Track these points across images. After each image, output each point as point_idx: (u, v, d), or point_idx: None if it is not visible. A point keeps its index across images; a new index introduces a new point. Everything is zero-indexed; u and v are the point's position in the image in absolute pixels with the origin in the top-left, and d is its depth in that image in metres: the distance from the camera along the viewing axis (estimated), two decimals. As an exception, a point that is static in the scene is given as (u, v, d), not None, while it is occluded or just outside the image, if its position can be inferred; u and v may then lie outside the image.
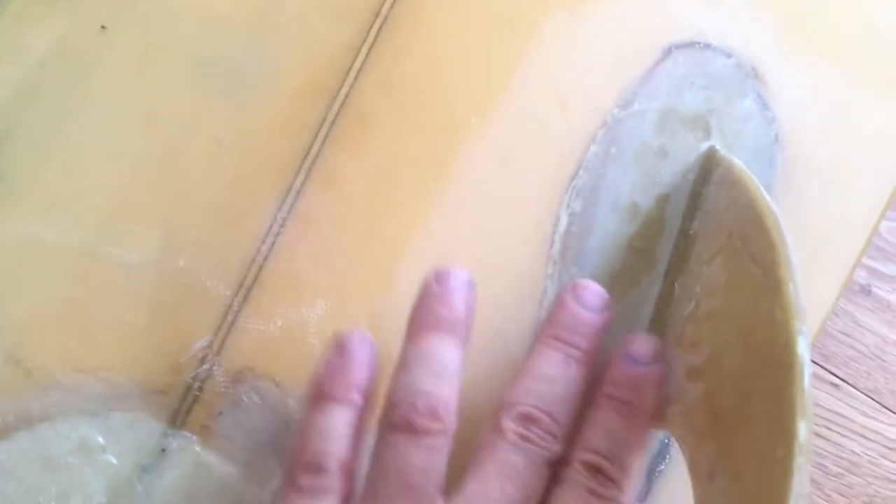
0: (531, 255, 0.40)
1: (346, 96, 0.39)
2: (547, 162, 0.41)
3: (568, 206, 0.40)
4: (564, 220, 0.40)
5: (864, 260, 0.70)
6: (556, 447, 0.31)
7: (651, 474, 0.39)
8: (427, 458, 0.29)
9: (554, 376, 0.33)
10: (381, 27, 0.39)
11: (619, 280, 0.40)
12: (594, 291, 0.36)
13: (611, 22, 0.41)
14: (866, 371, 0.68)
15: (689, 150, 0.41)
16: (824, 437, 0.67)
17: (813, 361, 0.68)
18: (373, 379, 0.32)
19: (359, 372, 0.32)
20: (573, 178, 0.41)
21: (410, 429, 0.29)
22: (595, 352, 0.34)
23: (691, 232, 0.38)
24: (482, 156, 0.40)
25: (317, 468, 0.30)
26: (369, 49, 0.39)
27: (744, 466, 0.26)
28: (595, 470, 0.30)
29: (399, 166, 0.39)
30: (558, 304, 0.36)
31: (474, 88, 0.41)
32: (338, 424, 0.31)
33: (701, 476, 0.28)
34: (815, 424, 0.68)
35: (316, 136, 0.39)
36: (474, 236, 0.40)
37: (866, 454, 0.67)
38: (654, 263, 0.40)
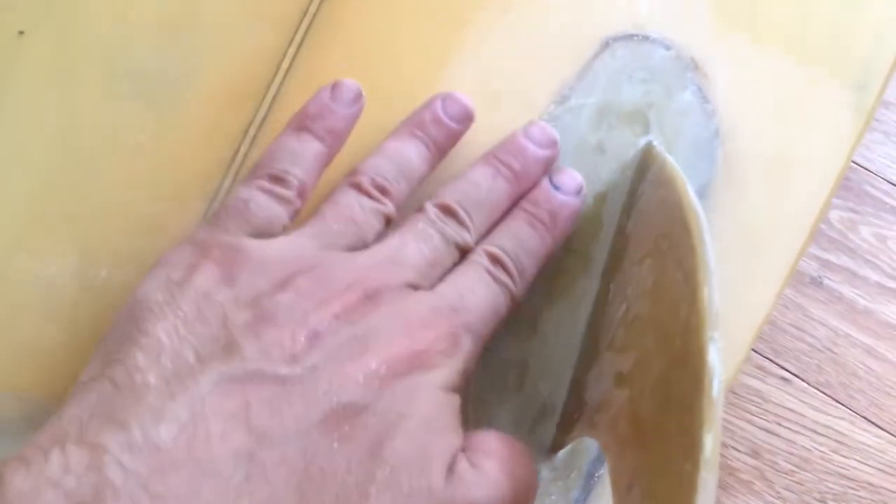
0: None
1: (274, 99, 0.39)
2: None
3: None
4: None
5: (816, 251, 0.69)
6: (467, 237, 0.35)
7: (589, 479, 0.38)
8: (369, 214, 0.34)
9: (480, 183, 0.36)
10: (307, 28, 0.39)
11: (557, 281, 0.39)
12: (542, 129, 0.38)
13: (546, 15, 0.40)
14: (817, 364, 0.68)
15: (627, 145, 0.40)
16: (775, 434, 0.67)
17: (764, 356, 0.68)
18: (349, 131, 0.36)
19: (341, 120, 0.36)
20: None
21: (365, 191, 0.35)
22: (526, 177, 0.37)
23: (626, 231, 0.38)
24: None
25: (280, 180, 0.33)
26: (296, 51, 0.39)
27: (656, 480, 0.26)
28: (495, 259, 0.34)
29: (329, 171, 0.38)
30: (508, 136, 0.38)
31: (405, 87, 0.40)
32: (307, 153, 0.35)
33: (620, 487, 0.27)
34: (767, 421, 0.67)
35: (243, 141, 0.38)
36: None
37: (818, 449, 0.67)
38: (590, 264, 0.40)
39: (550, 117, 0.40)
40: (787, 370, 0.68)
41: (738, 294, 0.40)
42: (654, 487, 0.26)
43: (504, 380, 0.39)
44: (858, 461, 0.66)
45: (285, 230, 0.33)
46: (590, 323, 0.38)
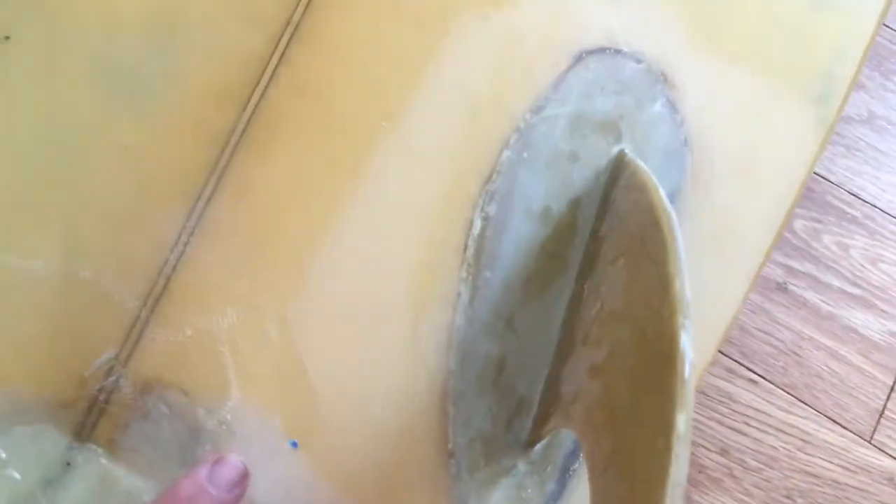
0: (445, 259, 0.40)
1: (258, 102, 0.39)
2: (460, 166, 0.41)
3: (482, 211, 0.41)
4: (478, 225, 0.40)
5: (781, 258, 0.71)
6: None
7: (565, 473, 0.39)
8: None
9: None
10: (292, 33, 0.39)
11: (533, 283, 0.40)
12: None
13: (523, 27, 0.41)
14: (783, 367, 0.70)
15: (600, 154, 0.41)
16: (743, 433, 0.69)
17: (732, 359, 0.70)
18: None
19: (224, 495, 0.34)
20: (486, 183, 0.41)
21: None
22: None
23: (600, 234, 0.39)
24: (394, 160, 0.40)
25: None
26: (280, 55, 0.39)
27: (632, 459, 0.27)
28: None
29: (310, 172, 0.39)
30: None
31: (385, 93, 0.40)
32: None
33: (597, 470, 0.29)
34: (735, 421, 0.69)
35: (227, 144, 0.39)
36: (386, 240, 0.40)
37: (784, 448, 0.68)
38: (566, 267, 0.40)
39: (527, 126, 0.41)
40: (754, 372, 0.70)
41: (706, 296, 0.41)
42: (630, 466, 0.27)
43: (482, 376, 0.40)
44: (823, 459, 0.68)
45: None
46: (565, 322, 0.39)
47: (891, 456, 0.68)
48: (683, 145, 0.42)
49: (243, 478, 0.35)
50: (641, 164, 0.39)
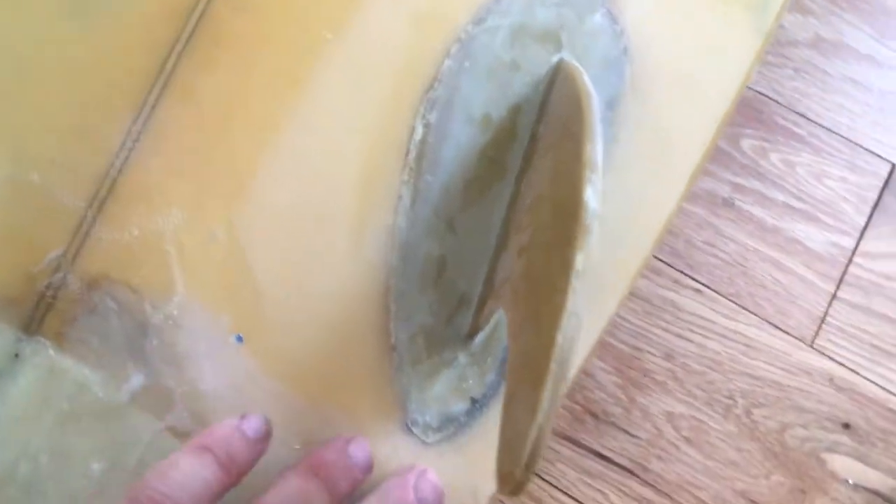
0: (387, 164, 0.41)
1: (202, 14, 0.40)
2: (402, 76, 0.41)
3: (423, 118, 0.41)
4: (420, 131, 0.41)
5: (729, 176, 0.73)
6: None
7: (504, 364, 0.41)
8: None
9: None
10: None
11: (473, 187, 0.41)
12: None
13: None
14: (729, 277, 0.71)
15: (540, 63, 0.41)
16: (688, 339, 0.71)
17: (678, 270, 0.71)
18: (252, 467, 0.36)
19: (247, 453, 0.35)
20: (428, 91, 0.41)
21: None
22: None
23: (538, 136, 0.40)
24: (337, 70, 0.41)
25: None
26: None
27: (540, 310, 0.28)
28: None
29: (254, 81, 0.40)
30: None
31: (329, 4, 0.41)
32: (198, 477, 0.34)
33: (515, 333, 0.30)
34: (680, 328, 0.71)
35: (170, 54, 0.39)
36: (330, 146, 0.41)
37: (727, 352, 0.70)
38: (505, 171, 0.41)
39: (468, 37, 0.41)
40: (699, 282, 0.71)
41: (643, 198, 0.42)
42: (538, 315, 0.29)
43: (423, 275, 0.41)
44: (765, 363, 0.70)
45: None
46: (504, 222, 0.40)
47: (831, 359, 0.70)
48: (623, 55, 0.42)
49: (267, 434, 0.37)
50: (575, 64, 0.39)
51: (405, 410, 0.41)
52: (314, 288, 0.40)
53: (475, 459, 0.42)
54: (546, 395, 0.25)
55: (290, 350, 0.40)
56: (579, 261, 0.26)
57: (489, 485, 0.42)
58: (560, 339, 0.25)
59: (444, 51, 0.41)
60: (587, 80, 0.35)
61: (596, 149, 0.29)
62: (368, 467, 0.39)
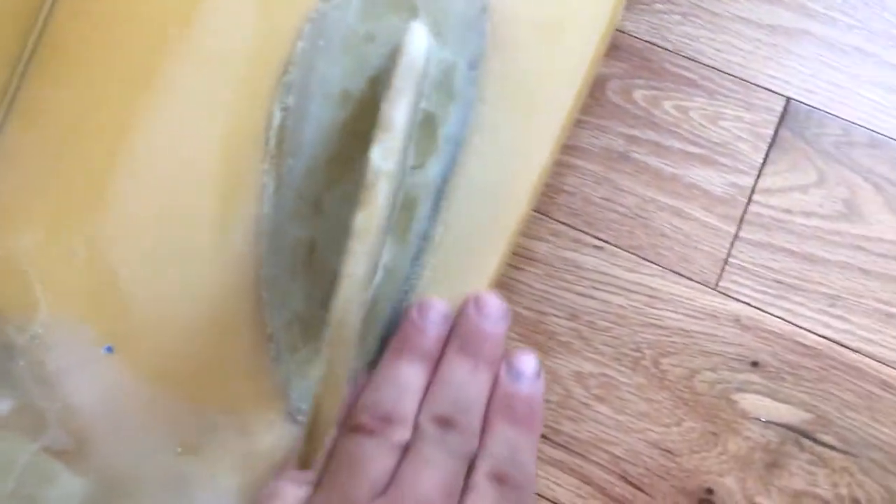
0: (247, 154, 0.41)
1: (42, 28, 0.39)
2: (255, 63, 0.41)
3: (280, 103, 0.41)
4: (278, 116, 0.41)
5: (623, 129, 0.73)
6: (472, 445, 0.35)
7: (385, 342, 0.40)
8: (377, 454, 0.34)
9: (464, 383, 0.36)
10: None
11: (336, 164, 0.41)
12: (495, 303, 0.39)
13: None
14: (629, 230, 0.72)
15: (395, 31, 0.41)
16: (591, 297, 0.71)
17: (577, 229, 0.72)
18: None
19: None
20: (283, 75, 0.41)
21: (368, 430, 0.34)
22: (497, 361, 0.38)
23: None
24: (186, 66, 0.41)
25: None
26: None
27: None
28: (500, 479, 0.34)
29: (102, 89, 0.39)
30: (462, 316, 0.39)
31: (170, 0, 0.41)
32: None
33: None
34: (583, 287, 0.71)
35: (13, 72, 0.38)
36: (186, 144, 0.40)
37: (631, 306, 0.71)
38: (367, 144, 0.41)
39: (319, 15, 0.41)
40: (599, 238, 0.71)
41: (515, 154, 0.42)
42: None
43: (293, 259, 0.40)
44: (670, 311, 0.70)
45: None
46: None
47: (736, 299, 0.71)
48: (482, 12, 0.42)
49: (506, 312, 0.39)
50: (418, 27, 0.39)
51: (287, 399, 0.41)
52: (184, 288, 0.40)
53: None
54: (326, 362, 0.24)
55: (164, 354, 0.40)
56: (358, 220, 0.26)
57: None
58: (336, 302, 0.24)
59: (297, 32, 0.41)
60: (413, 42, 0.34)
61: (393, 108, 0.29)
62: (504, 314, 0.39)
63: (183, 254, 0.40)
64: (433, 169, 0.40)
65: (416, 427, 0.35)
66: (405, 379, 0.36)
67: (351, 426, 0.35)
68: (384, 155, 0.28)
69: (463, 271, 0.40)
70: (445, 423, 0.35)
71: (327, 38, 0.41)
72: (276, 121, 0.41)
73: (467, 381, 0.36)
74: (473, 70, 0.41)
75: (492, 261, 0.41)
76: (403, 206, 0.40)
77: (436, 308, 0.38)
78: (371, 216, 0.25)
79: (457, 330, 0.38)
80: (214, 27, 0.41)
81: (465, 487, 0.34)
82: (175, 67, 0.40)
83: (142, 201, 0.39)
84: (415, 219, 0.40)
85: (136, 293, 0.39)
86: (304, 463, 0.28)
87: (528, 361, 0.38)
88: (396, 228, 0.40)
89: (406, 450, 0.34)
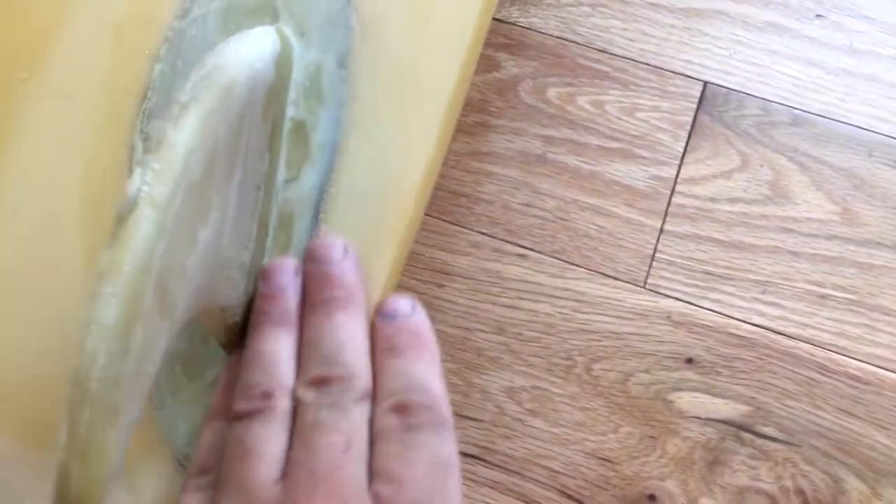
0: (111, 193, 0.40)
1: None
2: (112, 95, 0.39)
3: (141, 132, 0.40)
4: (140, 147, 0.39)
5: (537, 130, 0.71)
6: (358, 386, 0.33)
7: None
8: (266, 434, 0.32)
9: (325, 332, 0.34)
10: None
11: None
12: (330, 246, 0.37)
13: None
14: (551, 235, 0.70)
15: None
16: (517, 308, 0.69)
17: (498, 239, 0.70)
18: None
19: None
20: (143, 102, 0.39)
21: (250, 412, 0.33)
22: (358, 297, 0.36)
23: None
24: (41, 110, 0.39)
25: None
26: None
27: None
28: (401, 410, 0.32)
29: None
30: (304, 272, 0.37)
31: (17, 43, 0.39)
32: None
33: None
34: (508, 298, 0.70)
35: None
36: (47, 193, 0.39)
37: (559, 313, 0.69)
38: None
39: (175, 34, 0.39)
40: (521, 246, 0.70)
41: (397, 150, 0.40)
42: None
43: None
44: (599, 314, 0.68)
45: None
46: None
47: (666, 296, 0.69)
48: (346, 5, 0.41)
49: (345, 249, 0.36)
50: (261, 32, 0.37)
51: (174, 446, 0.39)
52: (54, 343, 0.38)
53: None
54: (66, 426, 0.21)
55: (36, 417, 0.38)
56: (105, 259, 0.23)
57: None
58: (80, 354, 0.21)
59: (153, 55, 0.39)
60: (225, 53, 0.32)
61: (173, 128, 0.27)
62: (344, 251, 0.36)
63: (49, 306, 0.38)
64: (308, 179, 0.38)
65: (295, 398, 0.33)
66: (271, 348, 0.34)
67: (234, 414, 0.33)
68: (151, 179, 0.25)
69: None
70: (320, 382, 0.33)
71: (186, 56, 0.39)
72: (139, 152, 0.38)
73: (330, 332, 0.34)
74: (342, 68, 0.40)
75: (381, 270, 0.39)
76: (280, 224, 0.38)
77: (280, 268, 0.36)
78: (123, 253, 0.22)
79: (305, 288, 0.36)
80: (68, 63, 0.39)
81: (372, 434, 0.32)
82: (29, 112, 0.39)
83: (4, 258, 0.38)
84: (293, 236, 0.39)
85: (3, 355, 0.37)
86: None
87: (398, 301, 0.36)
88: (274, 248, 0.38)
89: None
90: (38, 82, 0.38)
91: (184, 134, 0.28)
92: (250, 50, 0.34)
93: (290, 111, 0.38)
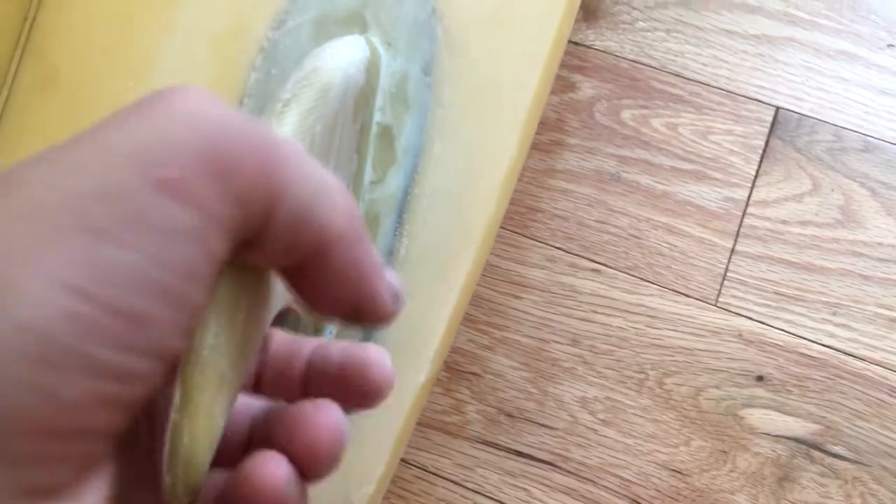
0: None
1: (7, 98, 0.39)
2: None
3: None
4: None
5: (612, 150, 0.72)
6: None
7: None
8: None
9: None
10: (34, 16, 0.39)
11: None
12: None
13: None
14: (624, 251, 0.71)
15: None
16: (592, 321, 0.70)
17: (573, 254, 0.71)
18: None
19: None
20: (239, 109, 0.41)
21: None
22: None
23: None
24: None
25: None
26: (25, 41, 0.38)
27: None
28: None
29: None
30: None
31: (126, 54, 0.40)
32: None
33: None
34: (583, 311, 0.71)
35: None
36: None
37: (632, 327, 0.70)
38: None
39: (270, 44, 0.41)
40: (596, 262, 0.71)
41: (479, 154, 0.42)
42: None
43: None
44: (672, 330, 0.69)
45: None
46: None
47: (737, 314, 0.70)
48: (431, 15, 0.42)
49: None
50: (348, 40, 0.39)
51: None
52: None
53: (346, 465, 0.40)
54: (179, 387, 0.23)
55: None
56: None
57: (364, 489, 0.41)
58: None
59: (249, 65, 0.41)
60: (323, 56, 0.34)
61: (278, 122, 0.29)
62: None
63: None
64: (394, 182, 0.40)
65: None
66: None
67: None
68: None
69: (431, 285, 0.39)
70: None
71: (280, 65, 0.41)
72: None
73: None
74: (428, 75, 0.41)
75: (460, 272, 0.41)
76: (366, 223, 0.40)
77: None
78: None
79: None
80: (169, 72, 0.41)
81: None
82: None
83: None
84: (378, 235, 0.40)
85: None
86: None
87: None
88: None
89: None
90: (143, 90, 0.40)
91: (285, 127, 0.29)
92: (344, 55, 0.36)
93: (378, 116, 0.40)
